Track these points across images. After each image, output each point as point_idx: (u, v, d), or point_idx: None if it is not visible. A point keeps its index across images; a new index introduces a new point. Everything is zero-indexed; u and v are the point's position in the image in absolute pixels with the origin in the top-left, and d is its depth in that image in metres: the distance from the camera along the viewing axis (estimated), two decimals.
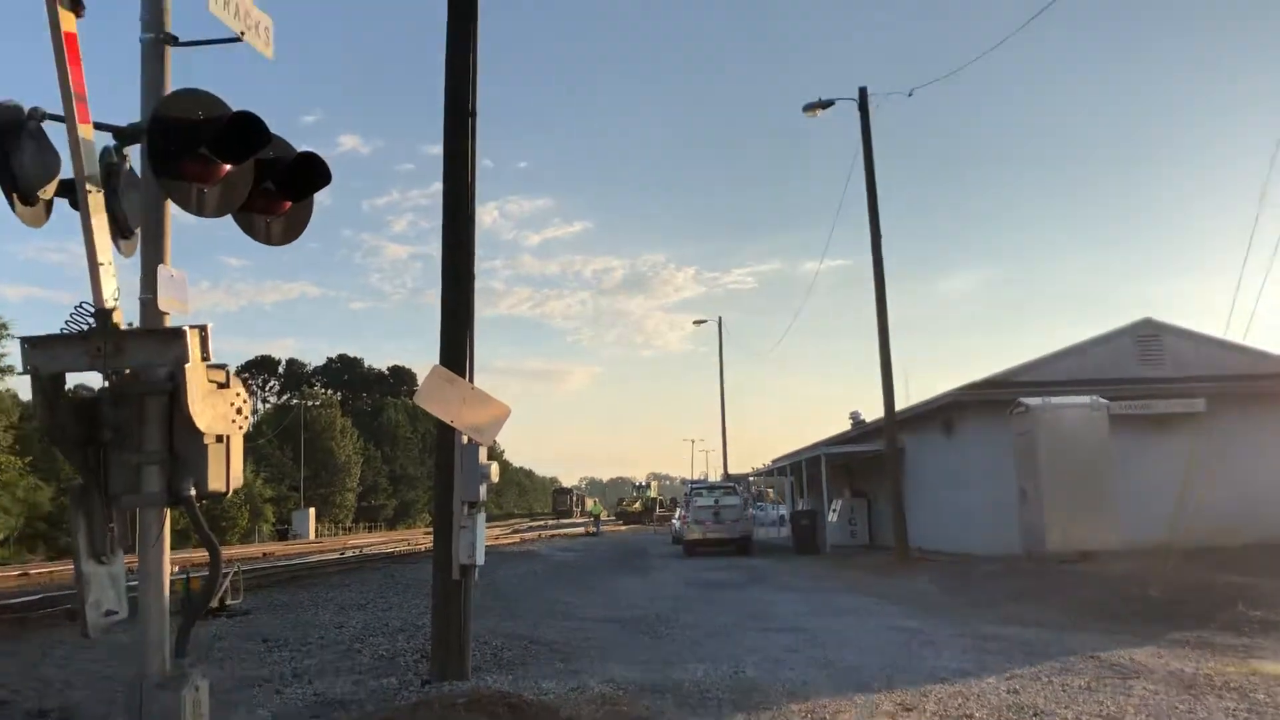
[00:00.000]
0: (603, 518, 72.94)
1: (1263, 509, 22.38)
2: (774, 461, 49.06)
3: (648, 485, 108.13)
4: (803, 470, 39.78)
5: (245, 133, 5.39)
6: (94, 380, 5.54)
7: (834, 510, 34.60)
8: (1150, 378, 24.72)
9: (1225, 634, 11.07)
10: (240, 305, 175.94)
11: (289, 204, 6.09)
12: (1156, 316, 26.02)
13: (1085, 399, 20.65)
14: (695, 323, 63.51)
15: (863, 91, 26.04)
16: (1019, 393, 22.06)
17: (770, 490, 61.65)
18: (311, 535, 69.39)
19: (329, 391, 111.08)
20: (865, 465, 34.18)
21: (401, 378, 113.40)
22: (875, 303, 25.58)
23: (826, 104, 26.53)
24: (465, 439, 8.43)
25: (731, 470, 60.10)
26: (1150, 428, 23.24)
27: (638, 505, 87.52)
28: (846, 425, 38.83)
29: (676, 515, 43.53)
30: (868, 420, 35.62)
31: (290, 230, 6.24)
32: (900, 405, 26.12)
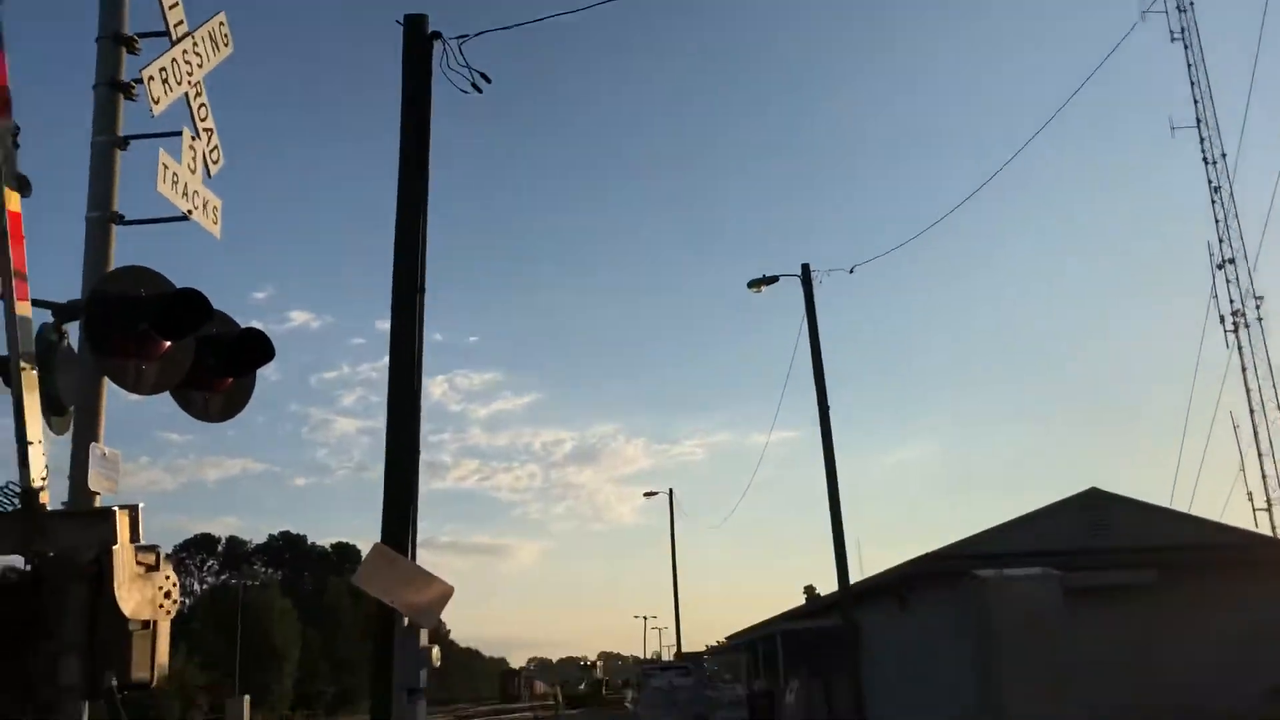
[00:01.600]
0: (561, 699, 67.98)
1: (1214, 680, 22.15)
2: (729, 639, 48.06)
3: (593, 665, 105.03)
4: (758, 648, 38.92)
5: (187, 309, 5.36)
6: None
7: (791, 690, 33.69)
8: (1100, 548, 24.75)
9: None
10: (180, 482, 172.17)
11: (230, 380, 6.02)
12: (1103, 486, 26.28)
13: (1037, 570, 20.57)
14: (646, 494, 63.06)
15: (805, 267, 26.83)
16: (971, 565, 21.94)
17: (720, 670, 59.79)
18: None
19: (269, 570, 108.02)
20: (822, 641, 33.53)
21: (346, 555, 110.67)
22: (825, 474, 25.69)
23: (771, 280, 27.27)
24: (406, 621, 8.13)
25: (686, 648, 58.61)
26: (1103, 599, 23.10)
27: (583, 687, 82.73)
28: (801, 599, 38.35)
29: (629, 698, 42.11)
30: (822, 594, 35.19)
31: (230, 407, 6.14)
32: (855, 577, 25.89)
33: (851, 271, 32.28)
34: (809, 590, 38.31)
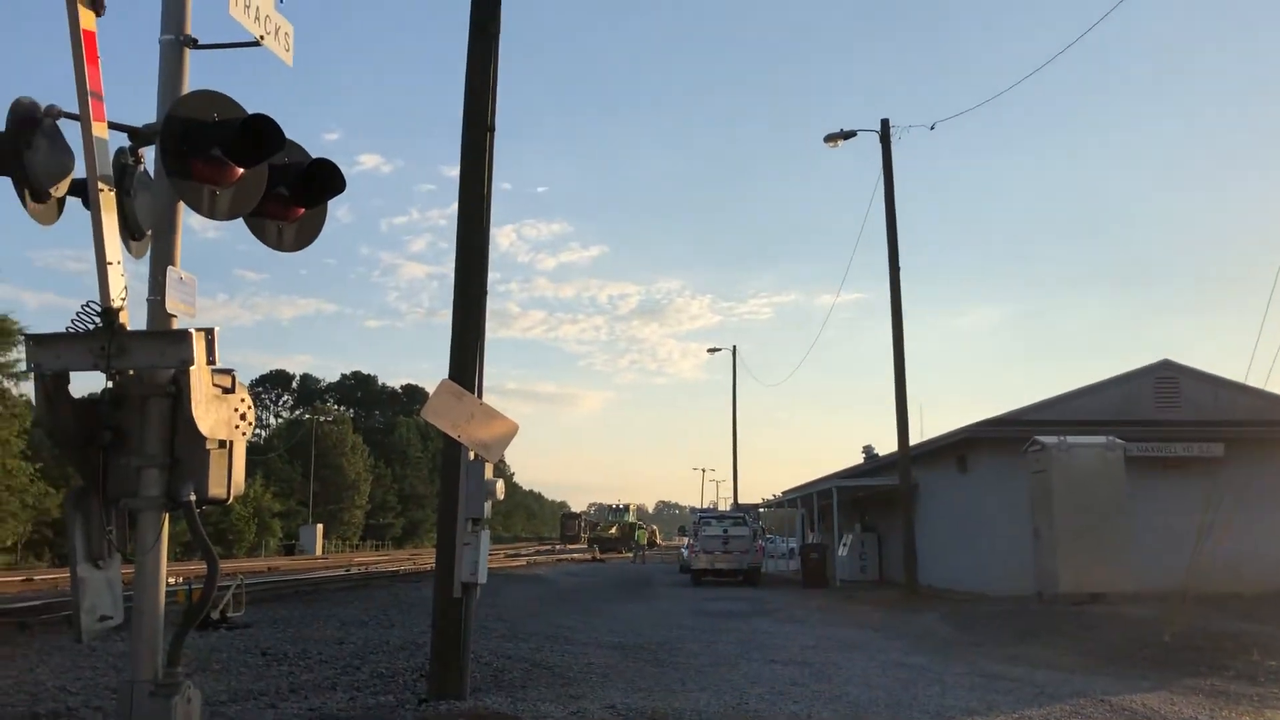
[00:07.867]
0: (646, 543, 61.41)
1: (1276, 556, 22.08)
2: (785, 493, 48.77)
3: (625, 508, 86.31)
4: (814, 503, 39.51)
5: (260, 135, 5.34)
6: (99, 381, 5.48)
7: (844, 544, 34.30)
8: (1167, 420, 24.47)
9: (1239, 682, 10.85)
10: (256, 319, 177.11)
11: (302, 210, 6.04)
12: (1176, 359, 25.81)
13: (1101, 439, 20.44)
14: (710, 350, 63.55)
15: (885, 123, 26.06)
16: (1035, 431, 21.86)
17: (774, 524, 60.30)
18: (318, 551, 69.22)
19: (341, 408, 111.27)
20: (877, 500, 33.92)
21: (414, 396, 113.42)
22: (892, 335, 25.50)
23: (848, 135, 26.56)
24: (471, 455, 8.34)
25: (741, 500, 59.78)
26: (1167, 470, 22.97)
27: (614, 531, 73.74)
28: (859, 459, 38.62)
29: (685, 544, 43.14)
30: (881, 454, 35.39)
31: (303, 237, 6.18)
32: (914, 441, 25.97)
33: (933, 128, 31.32)
34: (867, 450, 38.53)
